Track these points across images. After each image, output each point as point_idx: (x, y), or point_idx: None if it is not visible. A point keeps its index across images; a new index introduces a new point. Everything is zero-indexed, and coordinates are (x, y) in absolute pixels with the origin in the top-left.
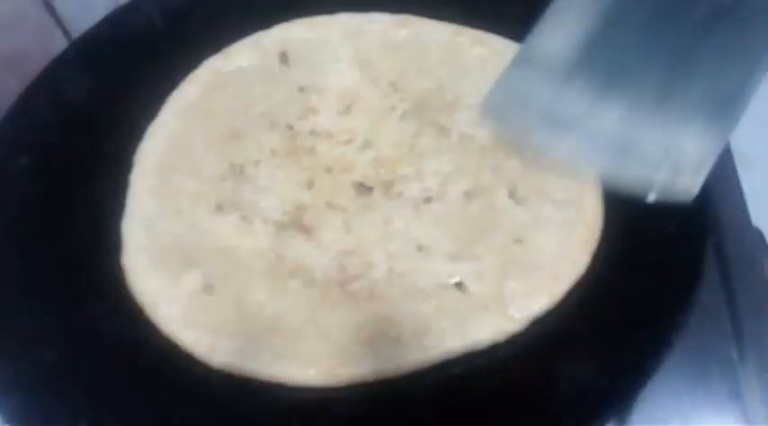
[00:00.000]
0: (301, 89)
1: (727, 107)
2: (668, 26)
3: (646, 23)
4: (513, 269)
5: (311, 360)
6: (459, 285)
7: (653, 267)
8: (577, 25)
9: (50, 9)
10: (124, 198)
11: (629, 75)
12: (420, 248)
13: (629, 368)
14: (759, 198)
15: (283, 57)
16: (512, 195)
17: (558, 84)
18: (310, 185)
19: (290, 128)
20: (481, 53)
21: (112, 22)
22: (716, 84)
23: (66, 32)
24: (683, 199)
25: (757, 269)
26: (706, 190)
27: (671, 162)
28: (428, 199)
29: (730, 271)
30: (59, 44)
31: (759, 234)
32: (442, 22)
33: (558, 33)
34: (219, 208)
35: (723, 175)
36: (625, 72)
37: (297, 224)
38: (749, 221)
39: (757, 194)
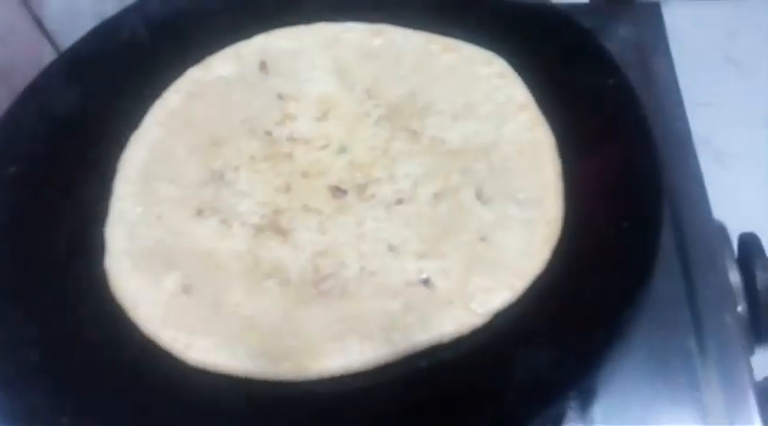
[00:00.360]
0: (280, 96)
1: None
2: None
3: None
4: (477, 266)
5: (284, 357)
6: (426, 282)
7: (608, 263)
8: None
9: (39, 23)
10: (107, 204)
11: None
12: (391, 248)
13: (582, 358)
14: (731, 195)
15: (263, 66)
16: (478, 196)
17: None
18: (287, 189)
19: (269, 134)
20: (451, 60)
21: (98, 35)
22: None
23: (54, 45)
24: None
25: (718, 262)
26: (664, 186)
27: None
28: (399, 201)
29: (691, 265)
30: (48, 57)
31: (722, 228)
32: (415, 31)
33: None
34: (200, 213)
35: (685, 172)
36: None
37: (274, 226)
38: (710, 216)
39: (730, 191)
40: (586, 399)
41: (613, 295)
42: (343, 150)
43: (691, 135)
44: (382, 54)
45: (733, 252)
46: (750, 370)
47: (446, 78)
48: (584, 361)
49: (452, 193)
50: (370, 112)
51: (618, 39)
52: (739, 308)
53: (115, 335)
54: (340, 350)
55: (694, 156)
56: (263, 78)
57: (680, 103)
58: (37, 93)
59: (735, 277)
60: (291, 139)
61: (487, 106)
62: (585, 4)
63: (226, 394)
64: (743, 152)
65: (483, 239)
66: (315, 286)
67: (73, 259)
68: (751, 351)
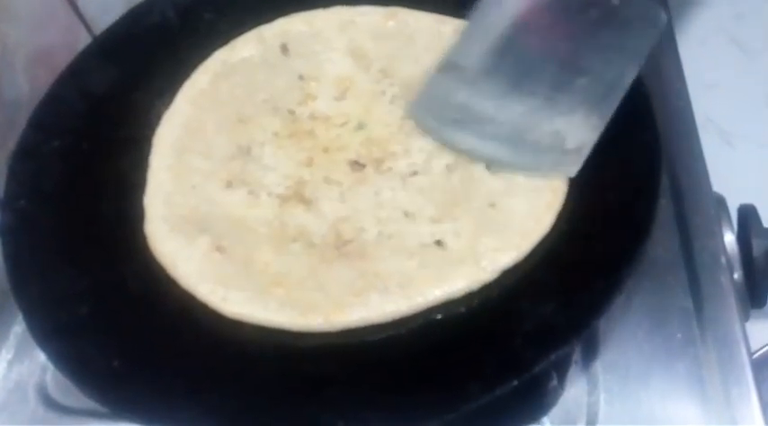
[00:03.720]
0: (300, 77)
1: (605, 98)
2: (564, 29)
3: (545, 28)
4: (486, 228)
5: (311, 309)
6: (439, 243)
7: (608, 225)
8: (488, 38)
9: (75, 9)
10: (145, 175)
11: (528, 78)
12: (406, 214)
13: (584, 307)
14: (735, 173)
15: (284, 49)
16: (488, 167)
17: (470, 88)
18: (310, 163)
19: (292, 112)
20: None
21: (130, 19)
22: (598, 79)
23: (88, 29)
24: (569, 175)
25: (715, 230)
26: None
27: (558, 147)
28: (414, 173)
29: (689, 232)
30: (83, 40)
31: (721, 200)
32: (427, 13)
33: (473, 46)
34: (229, 184)
35: (687, 147)
36: (524, 75)
37: (298, 196)
38: (710, 188)
39: (734, 169)
40: (589, 354)
41: (613, 253)
42: (360, 127)
43: (692, 113)
44: (395, 35)
45: (731, 222)
46: (743, 331)
47: None
48: (586, 310)
49: (463, 165)
50: (385, 91)
51: None
52: (735, 275)
53: (156, 290)
54: (361, 304)
55: (695, 132)
56: (284, 60)
57: (683, 83)
58: (76, 73)
59: (732, 245)
60: (312, 117)
61: None
62: None
63: (257, 342)
64: (747, 132)
65: (492, 205)
66: (337, 248)
67: (116, 224)
68: (746, 316)
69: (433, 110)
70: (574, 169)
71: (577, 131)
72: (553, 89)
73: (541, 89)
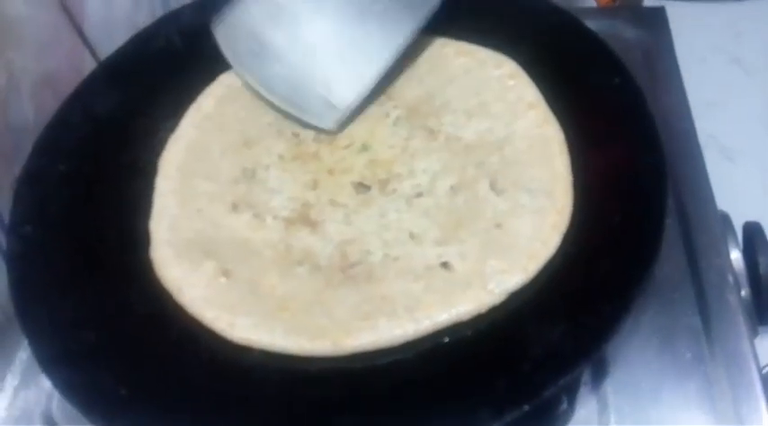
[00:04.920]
0: None
1: (370, 58)
2: None
3: None
4: (493, 249)
5: (318, 334)
6: (445, 265)
7: (615, 248)
8: None
9: (80, 33)
10: (150, 199)
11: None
12: (412, 236)
13: (593, 331)
14: (737, 189)
15: None
16: (492, 187)
17: (271, 21)
18: (315, 186)
19: (296, 135)
20: (465, 62)
21: (136, 43)
22: (366, 41)
23: (93, 54)
24: (326, 127)
25: (722, 249)
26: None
27: (323, 99)
28: (419, 194)
29: (695, 251)
30: (87, 64)
31: (725, 217)
32: (430, 36)
33: None
34: (235, 207)
35: (690, 167)
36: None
37: (303, 219)
38: (714, 206)
39: (736, 186)
40: (598, 374)
41: (621, 276)
42: (365, 149)
43: (695, 132)
44: (399, 58)
45: (737, 239)
46: (753, 347)
47: (460, 80)
48: (595, 334)
49: (468, 185)
50: (389, 113)
51: (624, 41)
52: (743, 292)
53: (163, 315)
54: (370, 328)
55: (699, 152)
56: None
57: (685, 102)
58: (81, 97)
59: (738, 262)
60: (317, 140)
61: (499, 105)
62: (593, 8)
63: (264, 368)
64: (748, 148)
65: (498, 226)
66: (343, 271)
67: (122, 249)
68: (755, 333)
69: (235, 38)
70: (332, 123)
71: (341, 89)
72: (329, 45)
73: (321, 44)
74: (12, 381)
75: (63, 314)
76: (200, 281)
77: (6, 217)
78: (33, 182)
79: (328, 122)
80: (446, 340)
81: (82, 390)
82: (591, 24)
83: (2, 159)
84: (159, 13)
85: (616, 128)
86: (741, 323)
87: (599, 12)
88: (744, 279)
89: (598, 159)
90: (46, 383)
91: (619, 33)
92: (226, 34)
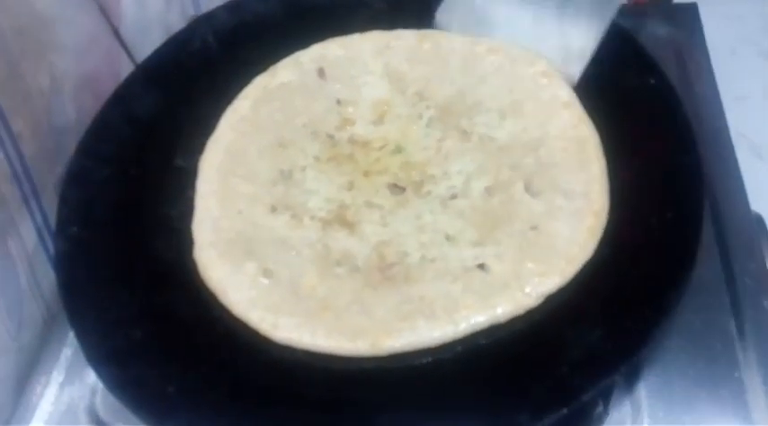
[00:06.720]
0: (338, 101)
1: (601, 10)
2: None
3: None
4: (529, 252)
5: (358, 334)
6: (482, 266)
7: (652, 249)
8: None
9: (117, 35)
10: (191, 201)
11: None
12: (448, 237)
13: (631, 335)
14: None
15: (321, 73)
16: (528, 189)
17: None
18: (351, 187)
19: (331, 137)
20: (496, 60)
21: (172, 45)
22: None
23: (129, 56)
24: (571, 78)
25: (756, 251)
26: (704, 179)
27: (563, 52)
28: (454, 196)
29: (730, 254)
30: (124, 67)
31: (759, 219)
32: (460, 35)
33: None
34: (273, 209)
35: (724, 167)
36: None
37: (340, 220)
38: (748, 208)
39: (766, 184)
40: (632, 377)
41: (659, 280)
42: (398, 150)
43: (728, 131)
44: (430, 58)
45: None
46: None
47: (492, 78)
48: (633, 338)
49: (503, 187)
50: (422, 114)
51: (656, 39)
52: None
53: (208, 315)
54: (409, 328)
55: (732, 152)
56: (321, 84)
57: (717, 101)
58: (121, 100)
59: None
60: (351, 141)
61: (533, 104)
62: (624, 5)
63: (307, 367)
64: None
65: (534, 228)
66: (381, 272)
67: (166, 249)
68: None
69: (457, 16)
70: (577, 72)
71: (581, 37)
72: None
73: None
74: (57, 377)
75: (111, 313)
76: (243, 283)
77: (51, 216)
78: (78, 184)
79: (574, 71)
80: (483, 342)
81: (131, 388)
82: (622, 22)
83: (46, 160)
84: (190, 12)
85: (651, 130)
86: None
87: (630, 9)
88: None
89: (633, 160)
90: (90, 379)
91: (650, 30)
92: (446, 16)
